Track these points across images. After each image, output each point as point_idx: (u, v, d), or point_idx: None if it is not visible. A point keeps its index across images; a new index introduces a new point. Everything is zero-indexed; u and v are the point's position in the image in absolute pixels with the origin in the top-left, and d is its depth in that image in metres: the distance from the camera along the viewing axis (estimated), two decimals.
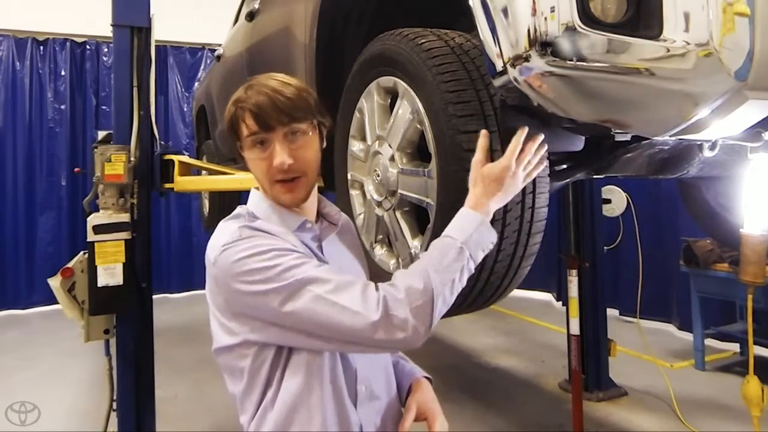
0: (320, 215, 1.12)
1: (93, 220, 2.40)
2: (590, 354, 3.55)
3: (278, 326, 0.92)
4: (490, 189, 1.01)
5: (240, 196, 4.27)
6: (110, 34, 2.60)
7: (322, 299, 0.88)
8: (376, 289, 0.91)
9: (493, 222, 1.10)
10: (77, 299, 2.45)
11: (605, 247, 3.90)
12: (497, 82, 1.04)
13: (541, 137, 1.05)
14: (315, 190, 1.09)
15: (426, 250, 1.28)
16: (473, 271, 0.97)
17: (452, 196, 1.17)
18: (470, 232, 0.97)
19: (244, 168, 3.14)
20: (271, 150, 0.99)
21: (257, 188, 1.09)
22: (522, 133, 1.02)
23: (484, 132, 1.07)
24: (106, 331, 2.50)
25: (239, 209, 1.07)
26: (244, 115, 0.99)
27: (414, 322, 0.88)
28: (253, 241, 0.93)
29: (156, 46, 2.73)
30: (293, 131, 1.00)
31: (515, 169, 1.01)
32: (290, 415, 0.95)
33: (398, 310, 0.87)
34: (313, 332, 0.90)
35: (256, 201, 1.06)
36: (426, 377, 1.19)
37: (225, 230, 0.99)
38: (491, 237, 1.00)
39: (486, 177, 1.01)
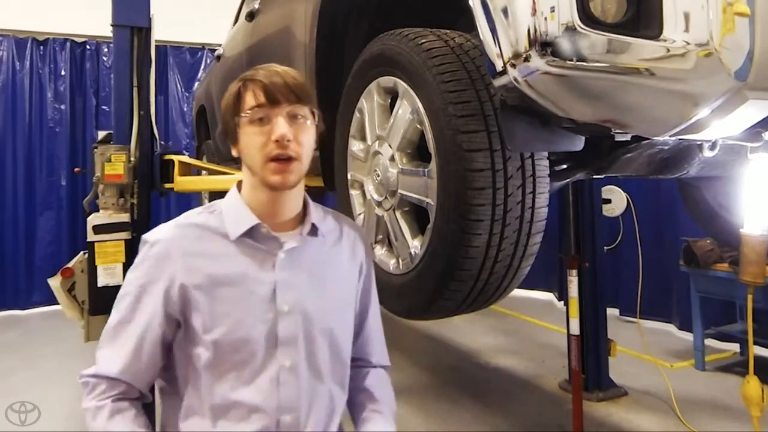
0: (305, 221, 1.04)
1: (93, 220, 2.40)
2: (590, 354, 3.54)
3: None
4: None
5: None
6: (110, 34, 2.60)
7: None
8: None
9: (493, 221, 1.10)
10: (77, 299, 2.45)
11: (605, 247, 3.89)
12: (497, 82, 1.04)
13: None
14: (302, 193, 1.04)
15: (426, 250, 1.29)
16: None
17: (452, 196, 1.17)
18: None
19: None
20: (271, 126, 0.96)
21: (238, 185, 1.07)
22: None
23: None
24: None
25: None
26: (253, 87, 0.97)
27: None
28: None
29: (156, 46, 2.73)
30: (296, 113, 0.97)
31: None
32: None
33: None
34: None
35: (229, 194, 1.07)
36: None
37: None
38: None
39: None
